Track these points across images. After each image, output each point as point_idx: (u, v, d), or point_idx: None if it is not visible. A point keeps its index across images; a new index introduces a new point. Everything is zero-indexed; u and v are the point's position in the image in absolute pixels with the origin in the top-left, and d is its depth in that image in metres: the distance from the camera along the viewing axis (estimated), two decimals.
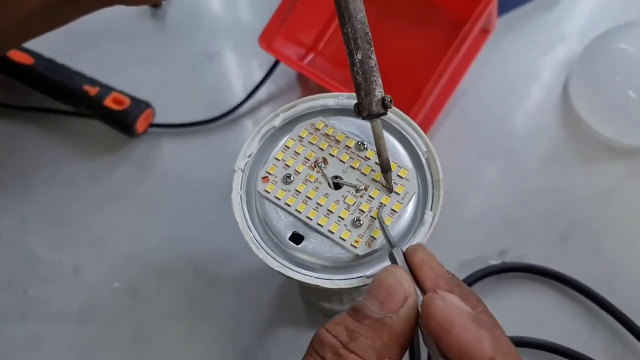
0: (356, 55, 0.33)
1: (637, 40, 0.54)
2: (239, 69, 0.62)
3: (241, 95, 0.59)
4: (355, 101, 0.34)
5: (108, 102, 0.56)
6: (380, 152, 0.35)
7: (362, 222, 0.35)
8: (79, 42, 0.62)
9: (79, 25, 0.61)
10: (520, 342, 0.47)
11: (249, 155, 0.38)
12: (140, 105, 0.56)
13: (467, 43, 0.50)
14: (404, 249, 0.31)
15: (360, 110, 0.34)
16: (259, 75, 0.58)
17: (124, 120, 0.56)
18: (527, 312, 0.50)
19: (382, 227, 0.33)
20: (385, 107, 0.34)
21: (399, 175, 0.36)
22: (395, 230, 0.35)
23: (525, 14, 0.62)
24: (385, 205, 0.35)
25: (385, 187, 0.35)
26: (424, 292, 0.30)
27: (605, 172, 0.55)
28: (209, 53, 0.62)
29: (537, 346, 0.48)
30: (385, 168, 0.35)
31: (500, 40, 0.59)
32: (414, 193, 0.35)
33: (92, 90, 0.56)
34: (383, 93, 0.34)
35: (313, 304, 0.51)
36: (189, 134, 0.59)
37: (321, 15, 0.59)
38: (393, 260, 0.31)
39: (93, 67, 0.60)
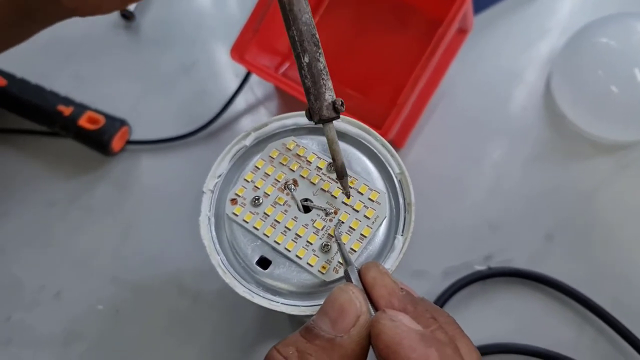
0: (303, 58, 0.32)
1: (619, 33, 0.53)
2: (217, 80, 0.61)
3: (220, 107, 0.58)
4: None
5: (82, 121, 0.55)
6: (335, 157, 0.34)
7: (330, 247, 0.34)
8: (53, 59, 0.62)
9: (52, 43, 0.62)
10: (506, 349, 0.47)
11: (219, 176, 0.37)
12: (115, 124, 0.56)
13: (443, 45, 0.49)
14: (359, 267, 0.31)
15: (311, 115, 0.33)
16: (236, 86, 0.57)
17: (100, 140, 0.55)
18: (514, 316, 0.50)
19: (338, 245, 0.33)
20: (336, 110, 0.33)
21: (370, 199, 0.35)
22: (365, 256, 0.34)
23: (504, 10, 0.60)
24: (343, 222, 0.34)
25: (355, 210, 0.35)
26: (376, 310, 0.29)
27: (590, 170, 0.54)
28: (186, 65, 0.61)
29: (524, 352, 0.47)
30: (340, 174, 0.34)
31: (479, 39, 0.58)
32: (385, 217, 0.35)
33: (67, 110, 0.56)
34: (334, 96, 0.33)
35: (298, 318, 0.50)
36: (167, 150, 0.58)
37: None
38: (348, 279, 0.30)
39: (68, 85, 0.59)
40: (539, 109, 0.57)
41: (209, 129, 0.58)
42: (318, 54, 0.33)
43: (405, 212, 0.35)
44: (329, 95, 0.33)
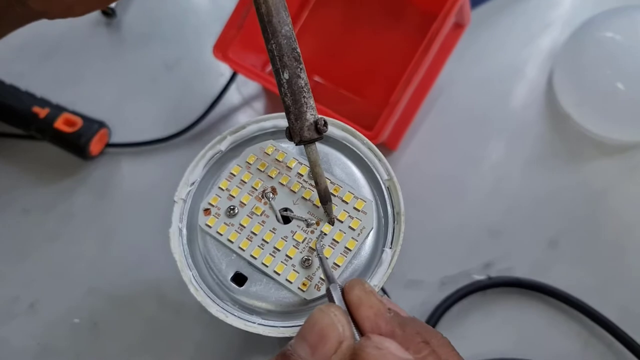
0: (283, 74, 0.29)
1: (625, 27, 0.50)
2: (202, 78, 0.58)
3: (205, 108, 0.55)
4: None
5: (59, 124, 0.53)
6: (317, 180, 0.31)
7: (311, 261, 0.31)
8: (30, 58, 0.59)
9: (29, 41, 0.59)
10: None
11: (192, 183, 0.35)
12: (93, 126, 0.53)
13: (438, 41, 0.46)
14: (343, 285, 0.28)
15: (291, 136, 0.31)
16: (222, 85, 0.55)
17: (77, 143, 0.52)
18: (515, 329, 0.47)
19: (320, 259, 0.30)
20: (319, 131, 0.30)
21: (355, 208, 0.32)
22: (350, 271, 0.31)
23: (503, 3, 0.57)
24: (326, 234, 0.31)
25: (339, 220, 0.32)
26: (361, 333, 0.26)
27: (595, 172, 0.51)
28: (169, 63, 0.59)
29: None
30: (323, 198, 0.31)
31: (478, 34, 0.55)
32: (371, 229, 0.31)
33: (42, 112, 0.53)
34: (316, 115, 0.30)
35: None
36: (149, 153, 0.55)
37: None
38: (330, 298, 0.27)
39: (46, 85, 0.57)
40: (540, 107, 0.54)
41: (194, 131, 0.55)
42: (299, 69, 0.30)
43: (394, 222, 0.32)
44: (311, 114, 0.30)
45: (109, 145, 0.55)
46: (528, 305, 0.47)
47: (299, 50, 0.30)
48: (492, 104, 0.54)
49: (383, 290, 0.47)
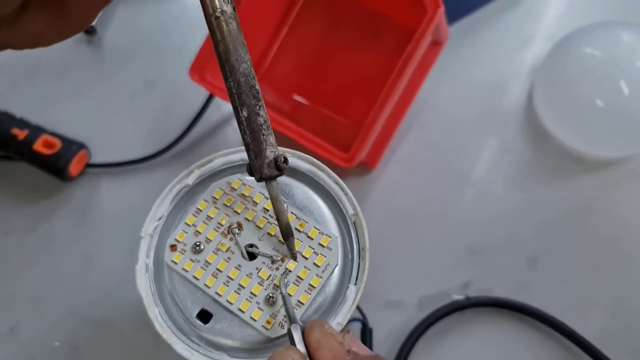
0: (241, 112, 0.29)
1: (605, 43, 0.49)
2: (182, 96, 0.57)
3: (186, 126, 0.55)
4: None
5: (38, 146, 0.52)
6: (279, 216, 0.31)
7: (276, 299, 0.31)
8: (9, 78, 0.59)
9: (8, 60, 0.58)
10: None
11: (159, 218, 0.34)
12: (72, 148, 0.53)
13: (414, 60, 0.46)
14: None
15: (252, 172, 0.30)
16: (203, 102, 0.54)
17: (55, 165, 0.52)
18: (494, 350, 0.47)
19: (283, 298, 0.29)
20: (279, 168, 0.30)
21: (320, 244, 0.32)
22: (314, 308, 0.31)
23: (485, 16, 0.57)
24: (290, 271, 0.31)
25: (304, 257, 0.31)
26: None
27: (575, 188, 0.51)
28: (149, 81, 0.58)
29: None
30: (285, 234, 0.31)
31: (456, 50, 0.55)
32: (336, 265, 0.31)
33: (21, 134, 0.53)
34: (277, 152, 0.30)
35: None
36: (129, 173, 0.55)
37: (262, 32, 0.54)
38: (291, 339, 0.27)
39: (25, 105, 0.56)
40: (521, 123, 0.53)
41: (175, 150, 0.55)
42: (258, 107, 0.30)
43: (359, 258, 0.32)
44: (271, 151, 0.30)
45: (88, 165, 0.54)
46: (507, 326, 0.47)
47: (257, 87, 0.29)
48: (472, 121, 0.54)
49: (359, 309, 0.47)
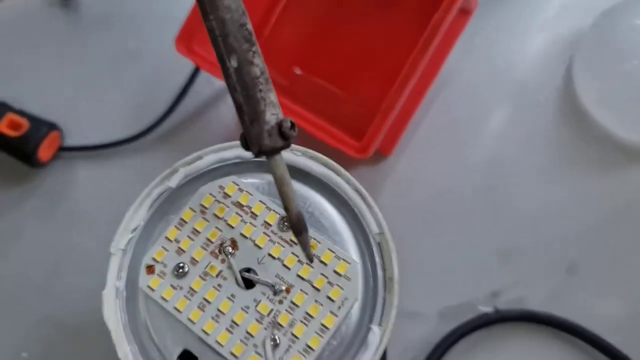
0: (229, 61, 0.22)
1: None
2: (169, 69, 0.50)
3: (171, 103, 0.48)
4: None
5: (2, 127, 0.46)
6: (287, 204, 0.24)
7: (279, 341, 0.24)
8: None
9: None
10: None
11: (134, 230, 0.28)
12: (41, 129, 0.47)
13: (441, 33, 0.39)
14: None
15: (248, 144, 0.23)
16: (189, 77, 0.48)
17: (23, 149, 0.46)
18: None
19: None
20: (284, 136, 0.23)
21: (336, 272, 0.25)
22: (326, 355, 0.24)
23: None
24: (298, 307, 0.24)
25: (316, 288, 0.25)
26: None
27: (622, 182, 0.45)
28: (132, 50, 0.52)
29: None
30: (297, 228, 0.24)
31: (485, 21, 0.48)
32: (355, 300, 0.25)
33: None
34: (279, 115, 0.23)
35: None
36: (108, 157, 0.49)
37: None
38: None
39: None
40: (557, 105, 0.47)
41: (159, 130, 0.49)
42: (251, 53, 0.22)
43: (385, 291, 0.25)
44: (272, 113, 0.23)
45: (61, 149, 0.48)
46: (543, 343, 0.41)
47: (250, 27, 0.22)
48: (501, 102, 0.48)
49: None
